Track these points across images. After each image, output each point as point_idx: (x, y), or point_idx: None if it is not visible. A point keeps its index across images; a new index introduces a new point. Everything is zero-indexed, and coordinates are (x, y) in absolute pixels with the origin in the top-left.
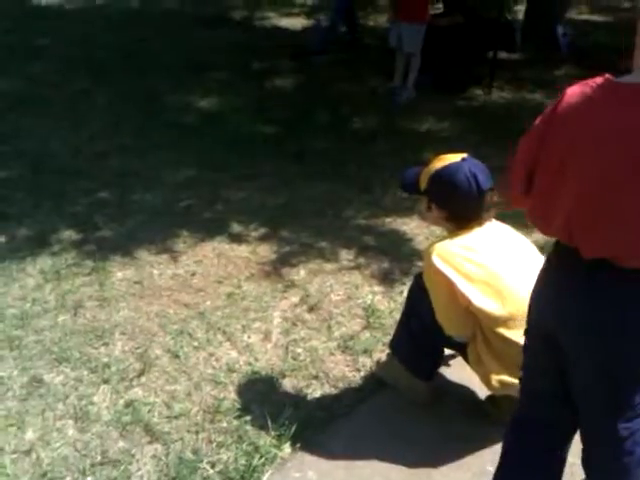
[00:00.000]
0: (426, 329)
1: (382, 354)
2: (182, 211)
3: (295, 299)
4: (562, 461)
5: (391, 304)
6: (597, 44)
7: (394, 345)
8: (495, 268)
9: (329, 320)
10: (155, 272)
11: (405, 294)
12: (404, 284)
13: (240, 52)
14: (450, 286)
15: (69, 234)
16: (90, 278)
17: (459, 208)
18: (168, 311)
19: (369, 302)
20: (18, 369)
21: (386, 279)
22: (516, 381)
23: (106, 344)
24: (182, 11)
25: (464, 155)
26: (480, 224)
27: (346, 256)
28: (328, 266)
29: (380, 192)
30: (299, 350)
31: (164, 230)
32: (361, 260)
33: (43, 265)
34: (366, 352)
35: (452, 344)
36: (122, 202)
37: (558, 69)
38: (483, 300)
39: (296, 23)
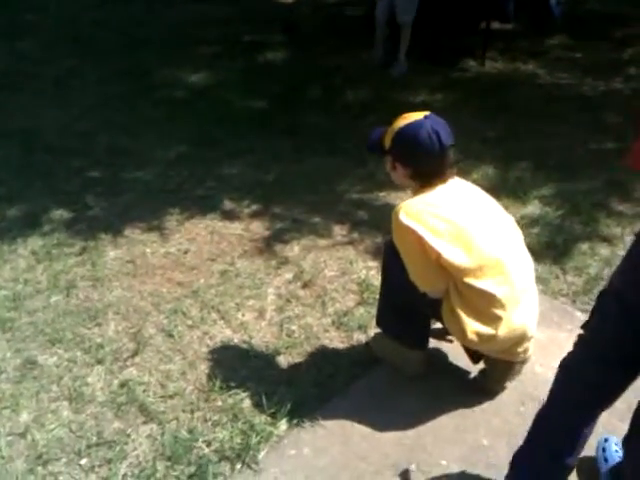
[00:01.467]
0: (405, 295)
1: (375, 330)
2: (174, 188)
3: (289, 276)
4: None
5: None
6: (591, 12)
7: (380, 320)
8: (461, 222)
9: (323, 296)
10: (148, 251)
11: None
12: None
13: (230, 26)
14: (420, 241)
15: (60, 214)
16: (82, 258)
17: (422, 165)
18: (161, 290)
19: (363, 277)
20: (11, 351)
21: (380, 254)
22: (492, 331)
23: (99, 324)
24: None
25: (427, 113)
26: (444, 181)
27: (340, 231)
28: (322, 242)
29: (373, 166)
30: (293, 327)
31: (156, 208)
32: (355, 235)
33: (34, 245)
34: (361, 328)
35: (430, 306)
36: (113, 180)
37: (552, 39)
38: (452, 252)
39: None
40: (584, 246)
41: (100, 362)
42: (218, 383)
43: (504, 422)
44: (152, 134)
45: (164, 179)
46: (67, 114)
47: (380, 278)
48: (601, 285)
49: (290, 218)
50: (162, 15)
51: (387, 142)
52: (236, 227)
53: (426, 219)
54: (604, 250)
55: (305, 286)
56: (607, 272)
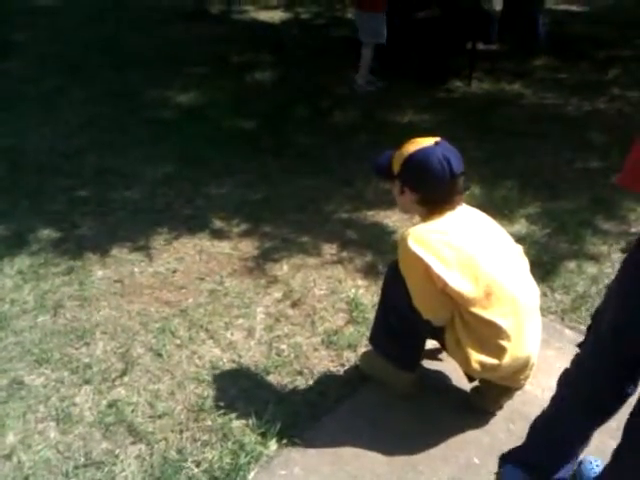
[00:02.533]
0: (404, 318)
1: (366, 348)
2: (162, 208)
3: (278, 295)
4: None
5: (374, 298)
6: (575, 34)
7: (373, 338)
8: (469, 250)
9: (313, 315)
10: (136, 270)
11: None
12: None
13: (219, 46)
14: (427, 269)
15: (47, 233)
16: (70, 277)
17: (432, 191)
18: (150, 309)
19: (352, 296)
20: None
21: (369, 273)
22: (496, 361)
23: (87, 344)
24: (159, 5)
25: (437, 139)
26: (452, 208)
27: (329, 250)
28: (311, 261)
29: (361, 185)
30: (283, 346)
31: (144, 227)
32: (344, 254)
33: (21, 265)
34: (350, 347)
35: (431, 332)
36: (101, 199)
37: (536, 60)
38: (459, 281)
39: (274, 16)
40: (571, 264)
41: (88, 382)
42: (207, 403)
43: (494, 440)
44: (140, 153)
45: (152, 198)
46: (55, 133)
47: (379, 298)
48: (589, 303)
49: (279, 237)
50: (151, 35)
51: (396, 167)
52: (225, 246)
53: (435, 246)
54: (591, 268)
55: (294, 305)
56: (594, 290)
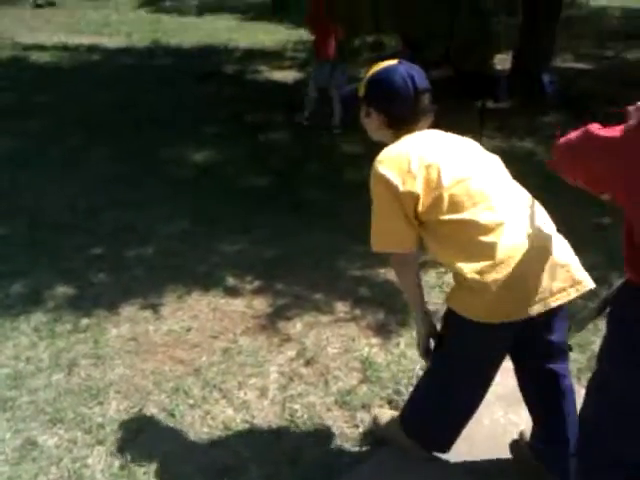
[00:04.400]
0: (456, 393)
1: (380, 408)
2: (177, 265)
3: (291, 353)
4: None
5: (388, 356)
6: (583, 91)
7: (405, 415)
8: (431, 157)
9: (326, 374)
10: (150, 328)
11: (402, 346)
12: (401, 336)
13: (234, 105)
14: (395, 192)
15: (64, 290)
16: (85, 335)
17: (397, 109)
18: (163, 368)
19: (366, 355)
20: (11, 431)
21: (382, 331)
22: (489, 262)
23: (100, 403)
24: (176, 66)
25: (400, 60)
26: (420, 128)
27: (342, 308)
28: (324, 318)
29: None
30: (296, 406)
31: (159, 284)
32: (357, 312)
33: (37, 323)
34: (364, 407)
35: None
36: (117, 257)
37: (546, 116)
38: (421, 187)
39: (287, 76)
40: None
41: (101, 443)
42: (220, 465)
43: None
44: (156, 211)
45: (167, 255)
46: (73, 192)
47: (425, 376)
48: None
49: (292, 294)
50: (167, 95)
51: (361, 90)
52: (238, 304)
53: (399, 162)
54: None
55: (308, 364)
56: None
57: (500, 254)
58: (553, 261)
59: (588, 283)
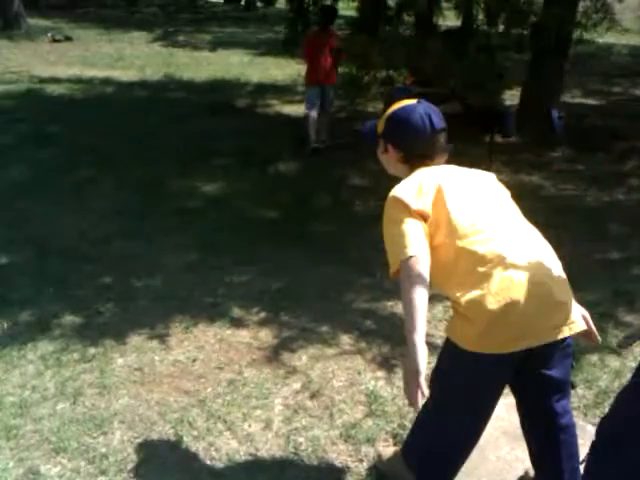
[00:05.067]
0: (458, 430)
1: (385, 443)
2: (184, 296)
3: (297, 385)
4: None
5: (394, 390)
6: (591, 126)
7: (405, 450)
8: (440, 184)
9: (331, 407)
10: (156, 358)
11: None
12: None
13: (244, 138)
14: (408, 210)
15: (71, 319)
16: (91, 365)
17: (414, 146)
18: (168, 399)
19: (371, 388)
20: (14, 460)
21: (388, 364)
22: (480, 291)
23: (105, 433)
24: (188, 99)
25: (419, 99)
26: (435, 165)
27: (348, 340)
28: (330, 351)
29: (381, 275)
30: (301, 439)
31: (166, 315)
32: (363, 344)
33: (44, 351)
34: (369, 441)
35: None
36: (124, 287)
37: (554, 151)
38: (426, 205)
39: (298, 110)
40: (593, 358)
41: (104, 473)
42: None
43: None
44: (165, 242)
45: (175, 286)
46: (83, 221)
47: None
48: (612, 398)
49: (298, 326)
50: (179, 127)
51: (380, 127)
52: (245, 335)
53: (414, 187)
54: (614, 362)
55: (313, 396)
56: (617, 384)
57: (495, 286)
58: (550, 298)
59: (581, 324)
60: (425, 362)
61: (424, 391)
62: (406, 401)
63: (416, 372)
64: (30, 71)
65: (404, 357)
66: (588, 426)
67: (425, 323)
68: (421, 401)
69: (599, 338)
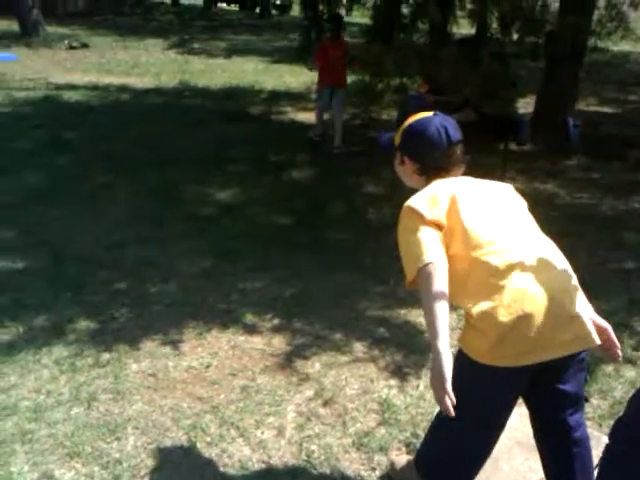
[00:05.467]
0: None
1: (397, 451)
2: (198, 302)
3: (310, 393)
4: None
5: (407, 399)
6: (606, 135)
7: (418, 460)
8: (454, 194)
9: (344, 415)
10: (170, 364)
11: (421, 388)
12: (419, 378)
13: (258, 145)
14: (422, 219)
15: (86, 324)
16: (105, 370)
17: (430, 158)
18: (182, 405)
19: (384, 397)
20: (29, 464)
21: (401, 372)
22: (491, 303)
23: (118, 439)
24: (203, 106)
25: (436, 112)
26: (451, 177)
27: (361, 348)
28: (343, 358)
29: (394, 283)
30: (313, 447)
31: (180, 321)
32: (376, 352)
33: (59, 356)
34: (382, 450)
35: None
36: (139, 293)
37: (569, 160)
38: (441, 215)
39: (311, 117)
40: (608, 368)
41: (117, 478)
42: None
43: None
44: (179, 248)
45: (189, 292)
46: (99, 227)
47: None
48: None
49: (312, 334)
50: (194, 134)
51: (397, 139)
52: (258, 342)
53: (429, 197)
54: (629, 372)
55: (326, 404)
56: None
57: (507, 298)
58: (563, 312)
59: (594, 339)
60: (450, 368)
61: (452, 397)
62: (419, 409)
63: (442, 379)
64: (47, 78)
65: (430, 364)
66: (603, 437)
67: (447, 329)
68: (450, 406)
69: (620, 354)
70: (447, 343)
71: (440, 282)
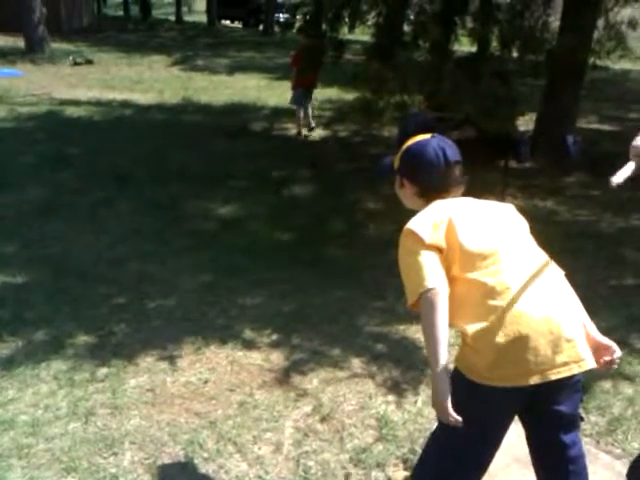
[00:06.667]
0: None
1: (395, 468)
2: (197, 317)
3: (307, 409)
4: None
5: (404, 415)
6: (606, 152)
7: (416, 475)
8: (451, 214)
9: (341, 431)
10: (168, 379)
11: (419, 404)
12: (417, 394)
13: (260, 161)
14: (422, 243)
15: (85, 339)
16: (103, 385)
17: (428, 180)
18: (179, 420)
19: (382, 413)
20: (25, 478)
21: (399, 388)
22: (484, 324)
23: (115, 454)
24: (205, 122)
25: (434, 134)
26: (451, 197)
27: (359, 364)
28: (341, 374)
29: (393, 299)
30: (310, 463)
31: (178, 336)
32: (374, 368)
33: (57, 370)
34: (379, 466)
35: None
36: (139, 308)
37: (569, 177)
38: (436, 238)
39: (313, 134)
40: (607, 385)
41: None
42: None
43: None
44: (179, 263)
45: (188, 307)
46: (100, 242)
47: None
48: (625, 425)
49: (310, 349)
50: (195, 150)
51: (396, 162)
52: (256, 357)
53: (428, 220)
54: (627, 389)
55: (323, 420)
56: (631, 412)
57: (503, 319)
58: (560, 334)
59: (590, 362)
60: (449, 392)
61: (455, 417)
62: (417, 426)
63: (443, 403)
64: (51, 93)
65: (431, 387)
66: (600, 454)
67: (447, 354)
68: (458, 422)
69: (615, 366)
70: (446, 369)
71: (441, 308)
